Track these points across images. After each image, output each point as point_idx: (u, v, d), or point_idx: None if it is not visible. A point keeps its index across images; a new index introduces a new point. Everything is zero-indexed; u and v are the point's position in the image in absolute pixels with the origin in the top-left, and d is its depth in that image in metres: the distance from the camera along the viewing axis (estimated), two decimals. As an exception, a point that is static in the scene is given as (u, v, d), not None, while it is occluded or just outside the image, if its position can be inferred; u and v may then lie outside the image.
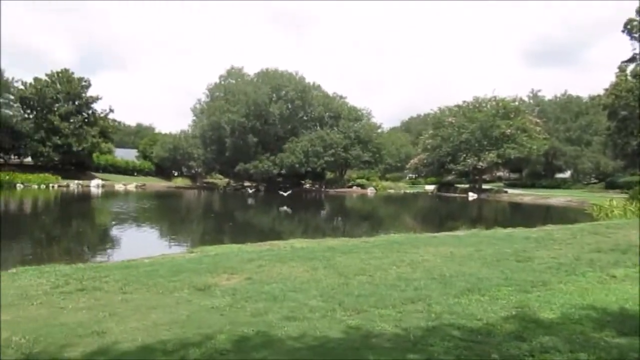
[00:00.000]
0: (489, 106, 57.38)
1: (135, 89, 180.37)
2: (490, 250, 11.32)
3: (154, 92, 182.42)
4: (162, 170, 74.04)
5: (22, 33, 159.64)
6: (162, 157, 71.36)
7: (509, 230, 16.66)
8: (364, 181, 71.98)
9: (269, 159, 64.55)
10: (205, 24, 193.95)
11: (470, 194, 56.00)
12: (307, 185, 71.98)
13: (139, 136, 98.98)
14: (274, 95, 66.29)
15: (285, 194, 46.29)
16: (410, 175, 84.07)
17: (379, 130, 74.32)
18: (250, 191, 46.95)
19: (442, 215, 37.24)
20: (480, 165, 54.34)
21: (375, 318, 5.93)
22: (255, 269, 9.03)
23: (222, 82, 72.39)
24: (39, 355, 4.63)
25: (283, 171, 64.86)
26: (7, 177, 52.46)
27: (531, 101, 75.81)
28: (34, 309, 6.31)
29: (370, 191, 66.45)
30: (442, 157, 58.35)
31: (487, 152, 53.43)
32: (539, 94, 78.41)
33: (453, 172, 62.61)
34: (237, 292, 7.20)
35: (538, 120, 58.77)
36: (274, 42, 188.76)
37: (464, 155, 55.09)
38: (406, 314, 6.13)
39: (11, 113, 57.91)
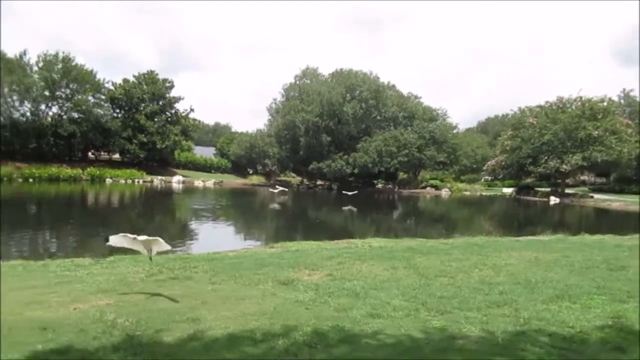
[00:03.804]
0: (574, 107, 54.28)
1: (213, 89, 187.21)
2: (578, 256, 10.80)
3: (231, 92, 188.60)
4: (238, 167, 76.28)
5: (112, 39, 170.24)
6: (239, 155, 73.52)
7: (598, 237, 15.78)
8: (437, 182, 70.52)
9: (342, 158, 64.80)
10: (282, 25, 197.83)
11: (552, 198, 53.31)
12: (380, 185, 71.58)
13: (217, 135, 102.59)
14: (348, 95, 66.45)
15: (349, 194, 46.09)
16: (487, 177, 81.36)
17: (455, 131, 72.57)
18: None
19: (521, 219, 35.79)
20: (564, 168, 51.54)
21: (461, 320, 5.87)
22: (335, 266, 9.17)
23: (297, 82, 73.55)
24: (141, 338, 4.98)
25: (356, 171, 64.88)
26: (98, 172, 56.28)
27: (622, 101, 70.91)
28: (133, 295, 6.78)
29: (444, 192, 65.04)
30: (522, 159, 55.89)
31: (571, 155, 50.59)
32: (631, 94, 73.24)
33: (533, 175, 59.86)
34: (320, 288, 7.36)
35: (629, 122, 54.89)
36: (349, 43, 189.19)
37: (546, 157, 52.48)
38: (492, 318, 6.01)
39: (102, 112, 61.91)
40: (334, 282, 7.81)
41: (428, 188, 67.96)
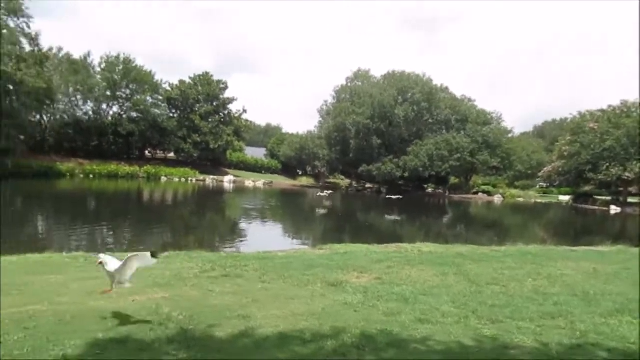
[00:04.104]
0: (639, 111, 51.76)
1: (266, 91, 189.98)
2: (641, 270, 10.29)
3: (283, 93, 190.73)
4: (288, 168, 77.01)
5: (170, 41, 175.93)
6: (289, 156, 74.23)
7: (664, 250, 14.96)
8: (490, 188, 68.76)
9: (392, 162, 64.27)
10: (335, 27, 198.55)
11: (613, 207, 50.89)
12: (430, 189, 70.54)
13: (268, 136, 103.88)
14: (400, 97, 65.87)
15: (394, 197, 45.17)
16: (542, 184, 78.65)
17: (510, 135, 70.60)
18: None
19: (579, 229, 34.39)
20: (627, 176, 49.10)
21: (513, 330, 5.73)
22: (384, 270, 9.14)
23: (349, 84, 73.53)
24: (194, 332, 5.14)
25: (406, 174, 64.22)
26: (154, 170, 58.27)
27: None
28: (187, 290, 7.01)
29: (497, 199, 63.35)
30: (581, 166, 53.72)
31: (635, 162, 48.18)
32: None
33: (592, 183, 57.32)
34: (368, 291, 7.35)
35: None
36: (402, 44, 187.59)
37: (607, 164, 50.14)
38: (546, 329, 5.84)
39: (159, 112, 64.03)
40: (382, 286, 7.78)
41: (480, 194, 66.37)
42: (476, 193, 66.80)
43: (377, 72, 78.46)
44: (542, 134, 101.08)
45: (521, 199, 65.32)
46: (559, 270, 9.96)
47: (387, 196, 49.95)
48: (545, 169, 62.63)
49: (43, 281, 7.11)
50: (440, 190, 69.14)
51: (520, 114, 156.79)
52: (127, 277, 5.65)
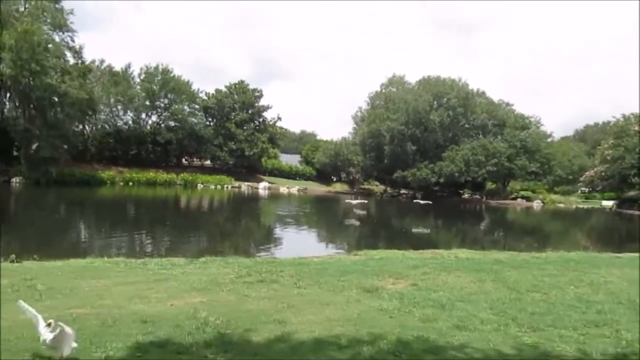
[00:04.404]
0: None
1: (300, 98, 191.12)
2: (692, 278, 9.85)
3: (317, 100, 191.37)
4: (323, 175, 77.16)
5: (206, 52, 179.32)
6: (323, 163, 74.36)
7: None
8: (529, 193, 67.20)
9: (427, 167, 63.59)
10: (369, 34, 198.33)
11: (660, 212, 49.03)
12: (466, 195, 69.42)
13: (302, 142, 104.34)
14: (435, 102, 65.20)
15: (422, 202, 43.70)
16: (584, 189, 76.41)
17: (549, 140, 68.83)
18: (422, 202, 44.68)
19: (623, 235, 33.20)
20: (673, 180, 47.33)
21: (554, 338, 5.57)
22: (420, 276, 9.04)
23: (383, 90, 73.20)
24: (230, 336, 5.19)
25: (441, 180, 63.40)
26: (190, 177, 59.45)
27: None
28: (224, 295, 7.09)
29: (536, 204, 61.83)
30: (625, 170, 52.05)
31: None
32: None
33: (637, 187, 55.42)
34: (404, 297, 7.28)
35: None
36: (438, 49, 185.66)
37: (653, 168, 48.51)
38: (590, 338, 5.65)
39: (196, 121, 65.31)
40: (419, 292, 7.70)
41: (518, 199, 64.95)
42: (514, 198, 65.40)
43: (412, 77, 78.07)
44: (583, 137, 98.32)
45: (562, 205, 63.56)
46: (602, 277, 9.64)
47: (415, 200, 49.01)
48: (587, 173, 60.92)
49: (86, 285, 7.33)
50: (476, 196, 67.99)
51: (560, 117, 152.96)
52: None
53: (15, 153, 46.24)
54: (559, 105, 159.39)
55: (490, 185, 70.54)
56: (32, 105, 42.53)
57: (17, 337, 4.81)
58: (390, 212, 44.72)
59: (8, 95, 45.00)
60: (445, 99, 64.82)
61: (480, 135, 65.82)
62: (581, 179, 64.73)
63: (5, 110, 45.05)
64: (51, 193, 37.25)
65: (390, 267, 9.89)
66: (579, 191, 77.98)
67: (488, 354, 5.02)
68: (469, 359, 4.87)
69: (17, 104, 44.01)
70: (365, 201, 43.32)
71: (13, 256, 9.86)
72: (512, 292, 7.95)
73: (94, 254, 11.20)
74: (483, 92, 69.50)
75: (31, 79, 40.53)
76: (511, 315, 6.45)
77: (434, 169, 63.23)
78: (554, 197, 66.85)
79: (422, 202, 45.08)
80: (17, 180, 41.35)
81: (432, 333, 5.57)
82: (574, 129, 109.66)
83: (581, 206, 64.06)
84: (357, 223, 30.13)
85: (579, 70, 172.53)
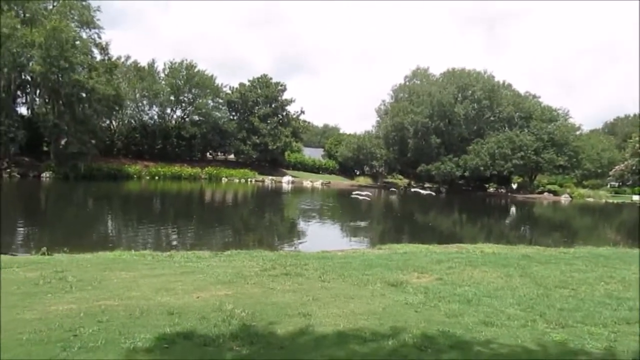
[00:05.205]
0: None
1: (323, 92, 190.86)
2: None
3: (340, 94, 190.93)
4: (346, 169, 77.02)
5: (230, 47, 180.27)
6: (346, 157, 74.21)
7: None
8: (556, 187, 65.99)
9: (452, 161, 62.96)
10: (393, 27, 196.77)
11: (693, 207, 47.64)
12: (491, 189, 68.52)
13: (325, 136, 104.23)
14: (460, 95, 64.44)
15: (423, 192, 42.32)
16: (613, 183, 74.71)
17: (578, 132, 67.36)
18: (424, 192, 43.51)
19: (655, 230, 32.33)
20: None
21: (584, 335, 5.46)
22: (445, 270, 8.95)
23: (407, 83, 72.60)
24: (256, 328, 5.22)
25: (466, 173, 62.72)
26: (215, 171, 59.99)
27: None
28: (249, 288, 7.14)
29: (564, 198, 60.69)
30: (657, 163, 50.66)
31: None
32: None
33: (670, 181, 54.02)
34: (429, 291, 7.22)
35: None
36: (463, 42, 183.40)
37: (686, 161, 47.10)
38: (621, 335, 5.52)
39: (220, 115, 65.82)
40: (444, 287, 7.63)
41: (545, 193, 63.82)
42: (541, 192, 64.31)
43: (436, 70, 77.16)
44: (613, 130, 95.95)
45: (591, 199, 62.24)
46: (633, 273, 9.41)
47: (414, 189, 47.76)
48: (617, 167, 59.53)
49: (114, 277, 7.46)
50: (502, 190, 67.06)
51: (589, 110, 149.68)
52: None
53: (45, 148, 47.35)
54: (588, 98, 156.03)
55: (516, 179, 69.49)
56: (61, 101, 43.38)
57: (50, 328, 4.92)
58: (413, 206, 44.39)
59: (38, 91, 45.99)
60: (470, 92, 64.04)
61: (506, 128, 64.85)
62: (611, 172, 63.29)
63: (35, 107, 46.03)
64: (80, 187, 38.03)
65: (415, 261, 9.82)
66: (609, 185, 76.26)
67: (515, 350, 4.95)
68: (495, 355, 4.80)
69: (46, 100, 44.93)
70: (370, 193, 44.09)
71: (44, 249, 10.12)
72: (539, 288, 7.82)
73: (122, 247, 11.40)
74: (509, 85, 68.49)
75: (60, 75, 41.34)
76: (539, 311, 6.34)
77: (459, 163, 62.59)
78: (582, 191, 65.52)
79: (423, 192, 44.01)
80: (47, 175, 42.31)
81: (458, 328, 5.51)
82: (604, 121, 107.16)
83: (611, 201, 62.61)
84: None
85: (609, 62, 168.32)
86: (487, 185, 68.75)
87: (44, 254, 9.78)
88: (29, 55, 41.50)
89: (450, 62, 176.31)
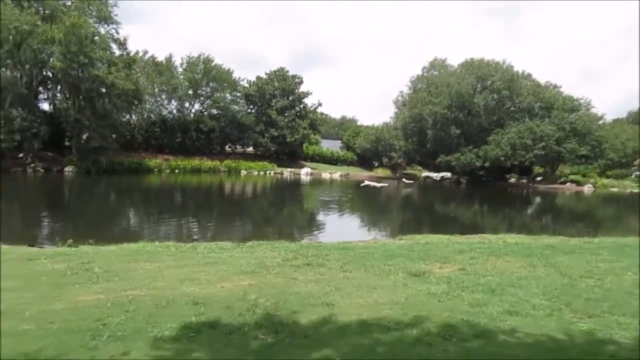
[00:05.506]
0: None
1: (341, 84, 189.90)
2: None
3: (358, 85, 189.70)
4: (364, 160, 76.73)
5: (246, 40, 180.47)
6: (365, 148, 73.91)
7: None
8: (579, 177, 64.84)
9: (472, 151, 62.27)
10: (411, 17, 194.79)
11: None
12: (513, 179, 67.70)
13: (343, 128, 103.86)
14: (479, 85, 63.60)
15: (408, 182, 41.36)
16: (638, 173, 73.10)
17: (600, 122, 65.92)
18: (439, 177, 42.90)
19: (682, 220, 31.66)
20: None
21: (612, 325, 5.39)
22: (468, 260, 8.90)
23: (425, 74, 71.90)
24: (280, 318, 5.27)
25: (486, 164, 61.98)
26: (234, 164, 60.29)
27: None
28: (272, 278, 7.19)
29: (587, 189, 59.69)
30: (683, 152, 49.44)
31: None
32: None
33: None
34: (452, 281, 7.19)
35: None
36: (481, 33, 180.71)
37: None
38: (651, 325, 5.43)
39: (238, 108, 66.04)
40: (467, 277, 7.58)
41: (568, 184, 62.81)
42: (563, 183, 63.33)
43: (454, 61, 76.24)
44: (637, 120, 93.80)
45: (615, 189, 61.11)
46: (661, 263, 9.23)
47: (404, 179, 46.30)
48: (642, 156, 58.13)
49: (140, 268, 7.57)
50: (523, 181, 66.23)
51: (612, 99, 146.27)
52: None
53: (67, 143, 48.08)
54: (611, 86, 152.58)
55: (537, 170, 68.53)
56: (81, 97, 43.87)
57: (79, 317, 5.02)
58: (433, 196, 44.09)
59: (59, 87, 46.63)
60: (489, 82, 63.12)
61: (527, 118, 63.85)
62: (635, 162, 61.91)
63: (57, 102, 46.65)
64: (102, 181, 38.58)
65: (437, 251, 9.77)
66: (633, 175, 74.71)
67: (540, 339, 4.91)
68: (520, 344, 4.77)
69: (67, 96, 45.47)
70: (384, 184, 44.42)
71: (70, 241, 10.31)
72: (564, 278, 7.73)
73: (146, 239, 11.55)
74: (529, 75, 67.24)
75: (80, 71, 41.79)
76: (565, 301, 6.27)
77: (479, 153, 61.88)
78: (606, 181, 64.29)
79: (408, 181, 43.19)
80: (70, 170, 42.98)
81: (482, 317, 5.49)
82: (627, 110, 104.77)
83: (635, 191, 61.41)
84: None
85: (632, 49, 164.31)
86: (508, 176, 67.93)
87: (70, 246, 9.97)
88: (49, 52, 42.07)
89: (468, 53, 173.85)
